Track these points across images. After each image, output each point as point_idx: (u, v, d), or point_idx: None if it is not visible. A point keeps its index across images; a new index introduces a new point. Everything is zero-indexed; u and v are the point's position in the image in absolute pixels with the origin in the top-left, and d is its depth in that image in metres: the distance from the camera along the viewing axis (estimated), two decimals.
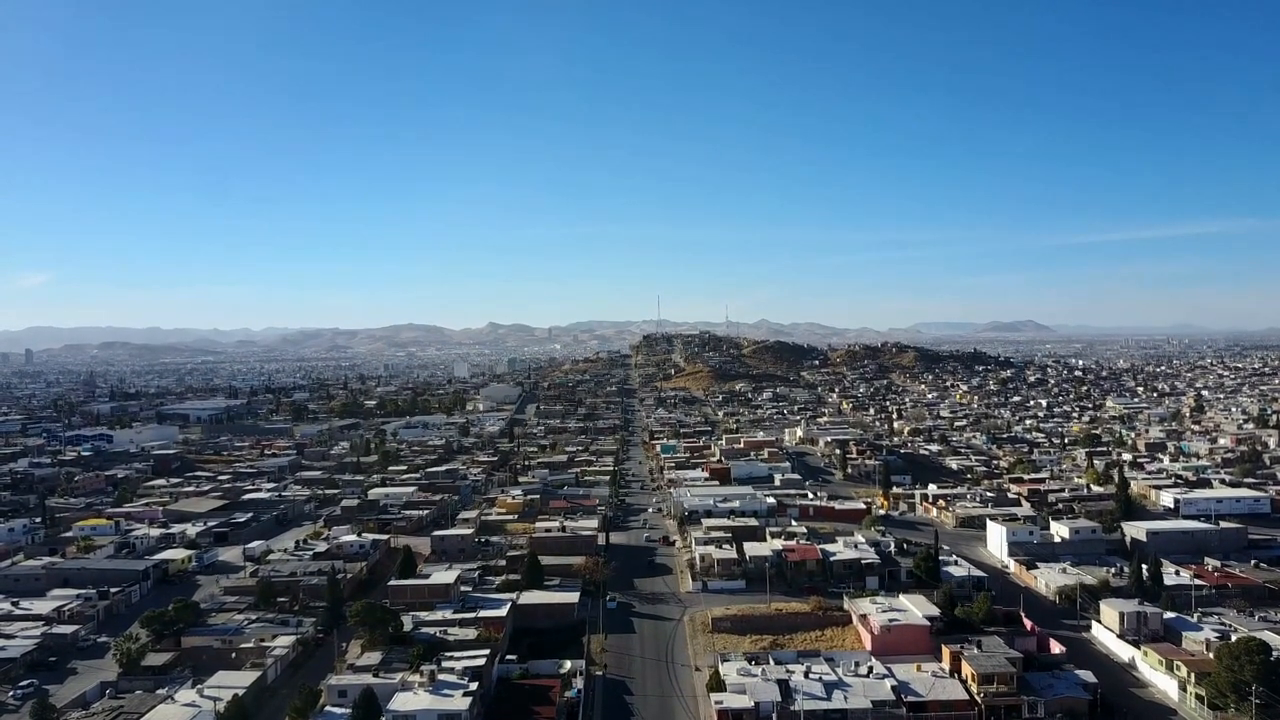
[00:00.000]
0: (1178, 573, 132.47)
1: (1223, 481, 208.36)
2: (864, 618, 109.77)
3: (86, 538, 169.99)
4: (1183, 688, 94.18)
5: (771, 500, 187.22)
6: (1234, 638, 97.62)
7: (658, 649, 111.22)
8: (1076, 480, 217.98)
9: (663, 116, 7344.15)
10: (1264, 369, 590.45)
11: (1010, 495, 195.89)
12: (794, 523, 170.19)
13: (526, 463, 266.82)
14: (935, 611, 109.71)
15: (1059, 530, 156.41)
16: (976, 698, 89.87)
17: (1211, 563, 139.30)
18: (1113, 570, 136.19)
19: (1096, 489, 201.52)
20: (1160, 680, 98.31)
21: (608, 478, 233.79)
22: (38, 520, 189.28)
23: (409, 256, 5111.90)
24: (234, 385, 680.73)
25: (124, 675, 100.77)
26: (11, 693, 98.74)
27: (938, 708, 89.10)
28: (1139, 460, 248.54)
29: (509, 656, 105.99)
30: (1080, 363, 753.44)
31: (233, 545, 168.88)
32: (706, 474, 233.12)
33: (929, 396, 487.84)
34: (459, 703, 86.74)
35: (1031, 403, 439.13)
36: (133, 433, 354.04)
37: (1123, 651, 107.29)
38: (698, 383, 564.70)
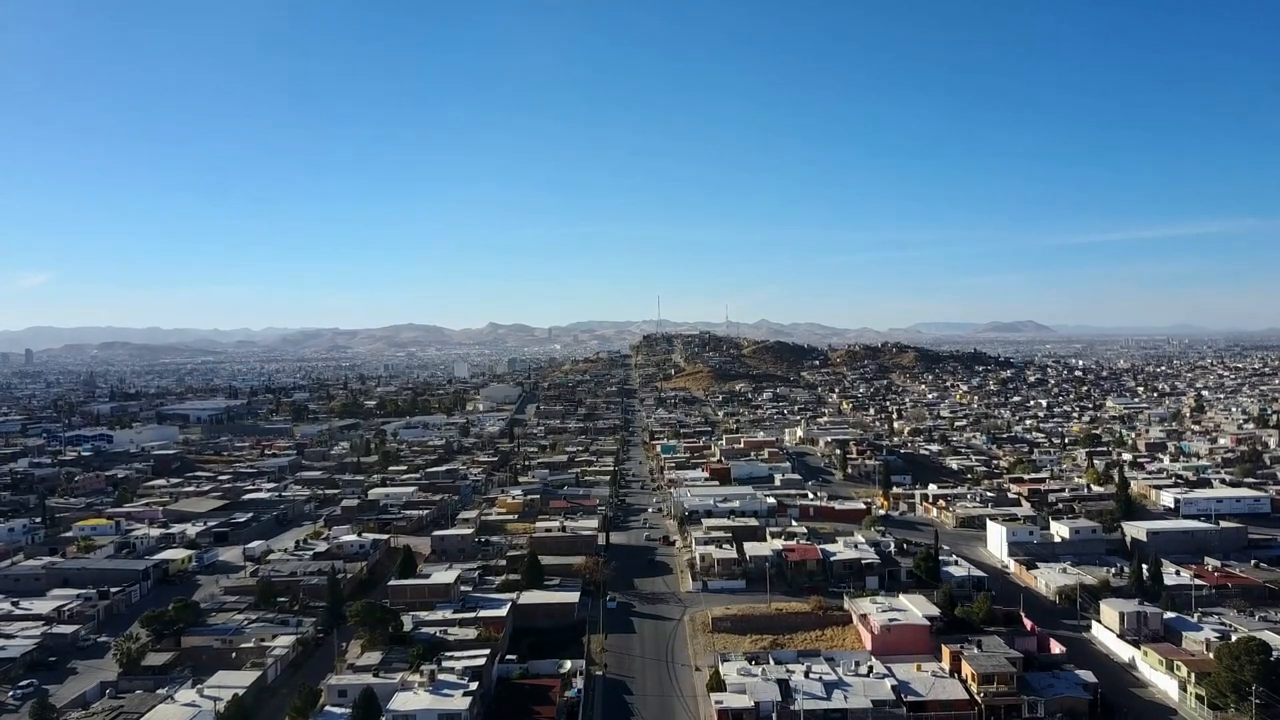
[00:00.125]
0: (1178, 573, 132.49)
1: (1223, 481, 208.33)
2: (864, 617, 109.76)
3: (86, 538, 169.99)
4: (1183, 688, 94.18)
5: (771, 500, 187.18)
6: (1234, 638, 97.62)
7: (658, 649, 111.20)
8: (1076, 480, 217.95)
9: (663, 116, 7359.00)
10: (1264, 369, 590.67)
11: (1010, 495, 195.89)
12: (794, 523, 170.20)
13: (526, 463, 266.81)
14: (935, 611, 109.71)
15: (1059, 530, 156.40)
16: (976, 697, 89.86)
17: (1211, 563, 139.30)
18: (1113, 570, 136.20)
19: (1096, 489, 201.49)
20: (1160, 680, 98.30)
21: (608, 478, 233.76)
22: (38, 520, 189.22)
23: (409, 256, 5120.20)
24: (234, 385, 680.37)
25: (124, 675, 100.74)
26: (11, 692, 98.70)
27: (938, 707, 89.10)
28: (1139, 460, 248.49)
29: (509, 656, 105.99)
30: (1080, 363, 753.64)
31: (233, 545, 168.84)
32: (706, 474, 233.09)
33: (929, 396, 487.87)
34: (459, 702, 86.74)
35: (1031, 403, 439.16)
36: (133, 433, 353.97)
37: (1123, 651, 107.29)
38: (698, 383, 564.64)
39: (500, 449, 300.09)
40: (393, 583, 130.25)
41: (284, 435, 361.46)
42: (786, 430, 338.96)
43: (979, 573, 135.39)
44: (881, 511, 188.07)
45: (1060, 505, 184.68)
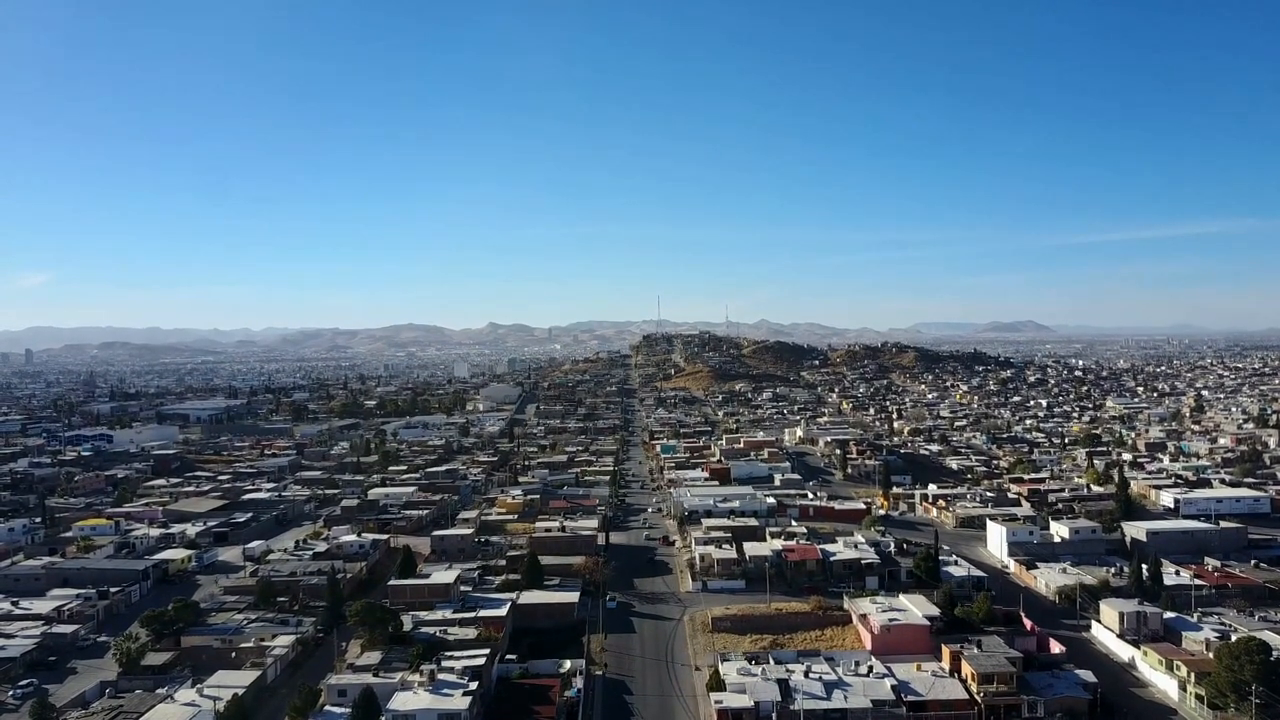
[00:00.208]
0: (1178, 573, 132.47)
1: (1223, 481, 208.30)
2: (864, 617, 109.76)
3: (86, 538, 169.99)
4: (1183, 688, 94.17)
5: (771, 500, 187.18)
6: (1234, 638, 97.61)
7: (658, 649, 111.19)
8: (1076, 480, 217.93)
9: (663, 116, 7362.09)
10: (1264, 369, 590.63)
11: (1010, 495, 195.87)
12: (794, 523, 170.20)
13: (526, 463, 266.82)
14: (935, 611, 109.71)
15: (1059, 530, 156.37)
16: (976, 697, 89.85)
17: (1211, 563, 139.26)
18: (1113, 570, 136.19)
19: (1096, 489, 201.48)
20: (1160, 680, 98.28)
21: (608, 478, 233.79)
22: (38, 520, 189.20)
23: (409, 256, 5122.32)
24: (234, 385, 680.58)
25: (124, 675, 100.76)
26: (11, 692, 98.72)
27: (938, 707, 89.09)
28: (1139, 460, 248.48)
29: (509, 656, 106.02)
30: (1080, 363, 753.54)
31: (233, 545, 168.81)
32: (706, 474, 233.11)
33: (929, 396, 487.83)
34: (459, 702, 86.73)
35: (1031, 403, 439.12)
36: (133, 433, 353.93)
37: (1123, 651, 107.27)
38: (698, 383, 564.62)
39: (500, 449, 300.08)
40: (393, 583, 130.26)
41: (284, 435, 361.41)
42: (786, 430, 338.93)
43: (979, 573, 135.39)
44: (881, 511, 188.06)
45: (1060, 505, 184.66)
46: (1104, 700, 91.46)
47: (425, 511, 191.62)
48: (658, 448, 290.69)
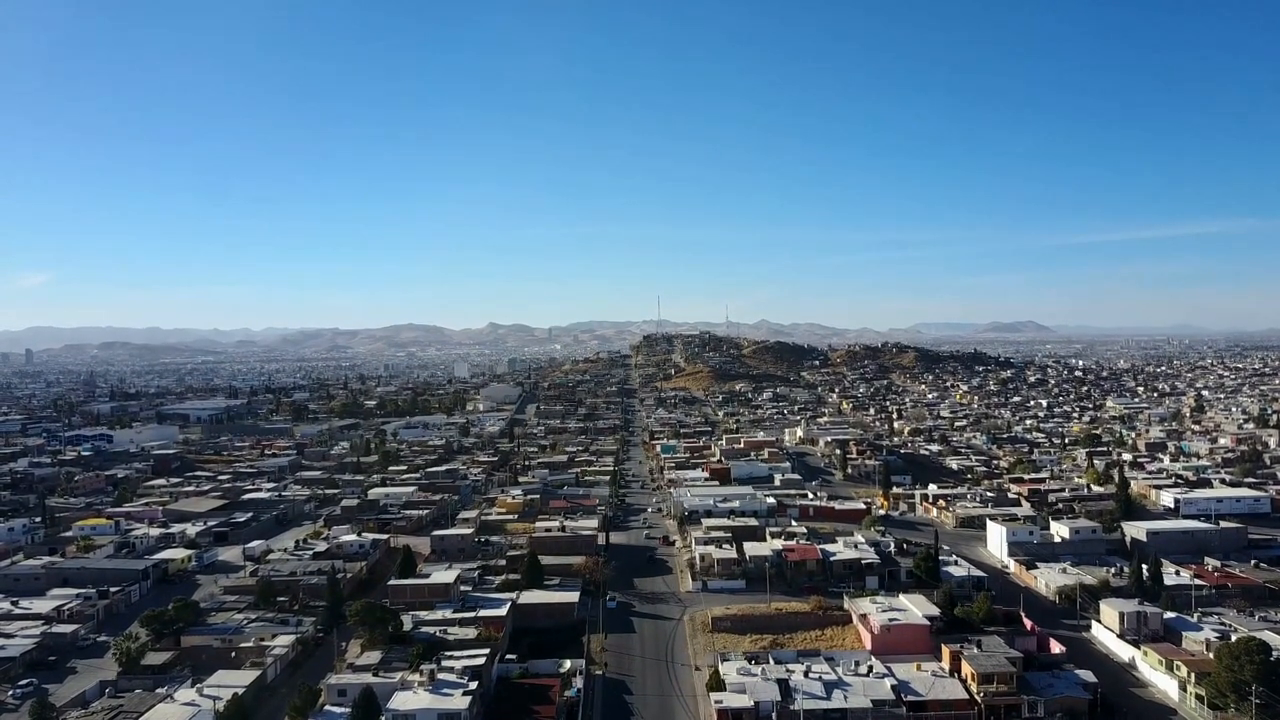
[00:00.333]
0: (1178, 573, 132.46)
1: (1223, 481, 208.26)
2: (864, 617, 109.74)
3: (86, 537, 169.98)
4: (1183, 688, 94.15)
5: (771, 500, 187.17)
6: (1234, 638, 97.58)
7: (658, 648, 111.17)
8: (1077, 480, 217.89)
9: (663, 116, 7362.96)
10: (1264, 369, 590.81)
11: (1010, 495, 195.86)
12: (794, 523, 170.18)
13: (526, 463, 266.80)
14: (935, 611, 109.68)
15: (1059, 530, 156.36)
16: (976, 697, 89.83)
17: (1211, 563, 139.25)
18: (1113, 570, 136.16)
19: (1096, 489, 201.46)
20: (1160, 680, 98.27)
21: (608, 478, 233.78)
22: (38, 520, 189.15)
23: (409, 256, 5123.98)
24: (234, 385, 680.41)
25: (124, 674, 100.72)
26: (11, 692, 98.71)
27: (938, 707, 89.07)
28: (1139, 460, 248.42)
29: (509, 656, 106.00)
30: (1080, 363, 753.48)
31: (233, 545, 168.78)
32: (706, 474, 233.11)
33: (929, 397, 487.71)
34: (459, 702, 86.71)
35: (1031, 403, 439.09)
36: (133, 433, 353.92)
37: (1123, 651, 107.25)
38: (698, 383, 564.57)
39: (500, 449, 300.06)
40: (393, 582, 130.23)
41: (284, 435, 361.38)
42: (786, 430, 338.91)
43: (979, 573, 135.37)
44: (881, 511, 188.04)
45: (1060, 505, 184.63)
46: (1104, 700, 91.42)
47: (425, 511, 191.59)
48: (658, 448, 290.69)
